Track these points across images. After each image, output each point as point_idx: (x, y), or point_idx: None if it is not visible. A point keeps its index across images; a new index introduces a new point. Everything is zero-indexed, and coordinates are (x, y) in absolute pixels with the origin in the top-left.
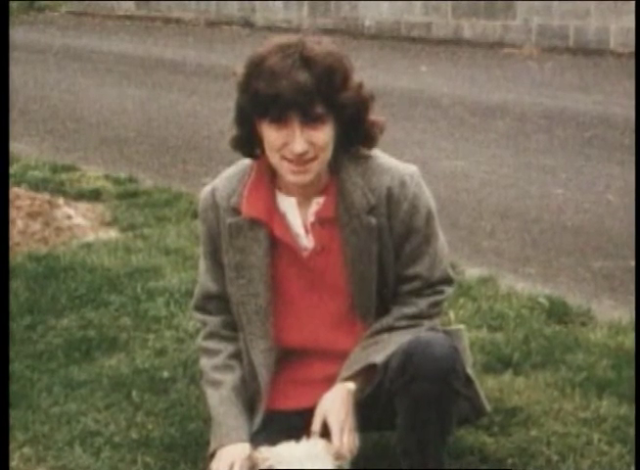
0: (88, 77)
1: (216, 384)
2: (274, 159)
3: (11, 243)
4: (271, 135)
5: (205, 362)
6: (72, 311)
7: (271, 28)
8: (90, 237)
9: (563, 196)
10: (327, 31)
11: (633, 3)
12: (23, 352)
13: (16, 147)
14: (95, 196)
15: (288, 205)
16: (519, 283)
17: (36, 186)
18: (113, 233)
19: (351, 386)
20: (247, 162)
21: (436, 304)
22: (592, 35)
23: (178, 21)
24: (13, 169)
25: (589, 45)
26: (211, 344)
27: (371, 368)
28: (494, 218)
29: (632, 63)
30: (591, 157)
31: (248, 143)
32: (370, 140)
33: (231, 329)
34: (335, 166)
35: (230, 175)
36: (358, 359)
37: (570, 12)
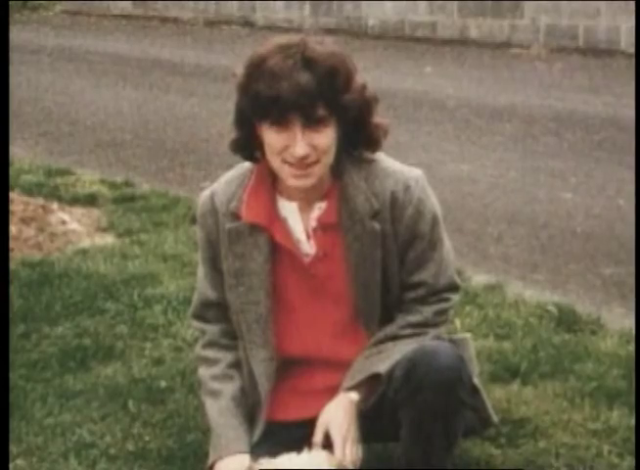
0: (83, 79)
1: (215, 394)
2: (275, 162)
3: None
4: (272, 138)
5: (204, 372)
6: (67, 319)
7: (272, 28)
8: (85, 243)
9: (572, 200)
10: (329, 31)
11: None
12: (17, 362)
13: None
14: (90, 200)
15: (289, 210)
16: (527, 290)
17: (30, 191)
18: (109, 239)
19: (354, 396)
20: (247, 165)
21: (442, 311)
22: (602, 35)
23: (176, 20)
24: None
25: (599, 45)
26: (210, 353)
27: (375, 378)
28: (501, 224)
29: None
30: (601, 160)
31: (248, 146)
32: (373, 143)
33: (230, 338)
34: (337, 170)
35: (229, 179)
36: (361, 369)
37: (579, 11)
